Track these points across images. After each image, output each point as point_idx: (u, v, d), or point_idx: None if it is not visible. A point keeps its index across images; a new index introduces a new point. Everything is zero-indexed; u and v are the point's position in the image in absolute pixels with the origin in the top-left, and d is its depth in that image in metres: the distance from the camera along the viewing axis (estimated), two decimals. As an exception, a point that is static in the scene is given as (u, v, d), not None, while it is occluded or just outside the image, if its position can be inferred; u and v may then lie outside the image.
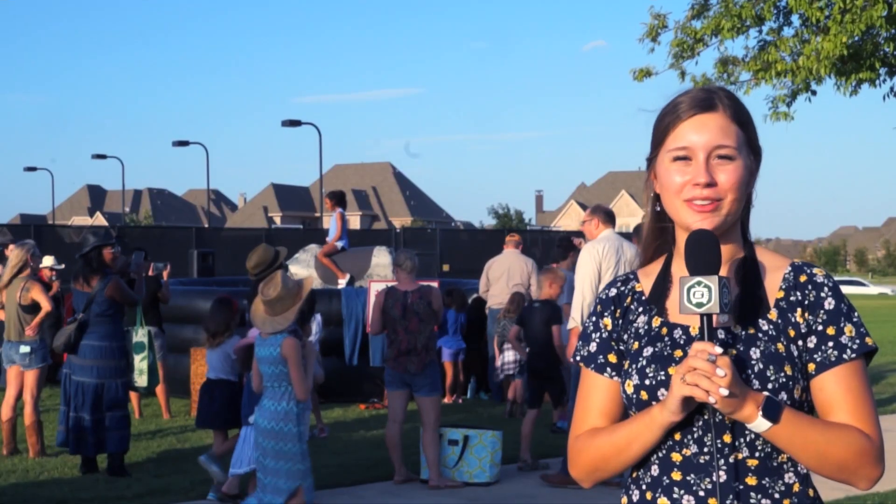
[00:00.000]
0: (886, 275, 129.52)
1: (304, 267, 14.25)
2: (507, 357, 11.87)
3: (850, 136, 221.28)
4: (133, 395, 11.98)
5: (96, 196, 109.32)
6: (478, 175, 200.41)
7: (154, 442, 10.30)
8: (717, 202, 2.00)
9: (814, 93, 12.24)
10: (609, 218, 8.42)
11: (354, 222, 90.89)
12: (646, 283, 2.17)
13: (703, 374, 1.84)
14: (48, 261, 12.71)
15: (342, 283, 13.79)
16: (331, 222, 14.05)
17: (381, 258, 14.44)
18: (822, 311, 2.02)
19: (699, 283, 1.91)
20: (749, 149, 2.06)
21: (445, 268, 26.51)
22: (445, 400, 12.81)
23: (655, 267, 2.17)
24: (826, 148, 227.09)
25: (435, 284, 9.67)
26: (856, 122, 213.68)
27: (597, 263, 8.00)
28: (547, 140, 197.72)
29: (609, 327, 2.16)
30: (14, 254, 9.75)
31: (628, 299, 2.17)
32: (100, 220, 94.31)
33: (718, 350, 1.86)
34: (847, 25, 10.79)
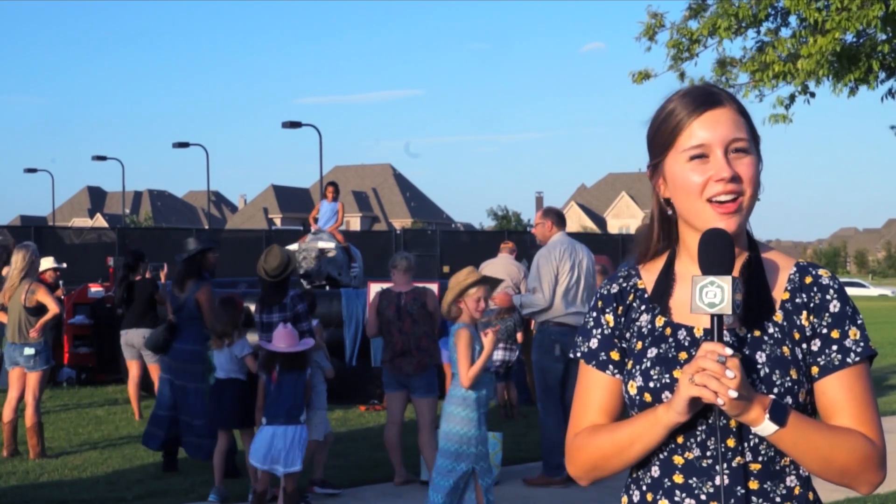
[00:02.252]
0: (887, 276, 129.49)
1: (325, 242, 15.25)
2: (494, 356, 11.85)
3: (850, 138, 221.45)
4: (132, 397, 11.99)
5: (96, 197, 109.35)
6: (478, 176, 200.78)
7: (154, 443, 10.27)
8: (739, 197, 1.97)
9: (812, 94, 12.22)
10: (561, 220, 8.77)
11: (355, 223, 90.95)
12: (648, 279, 2.14)
13: (712, 375, 1.81)
14: (48, 262, 12.71)
15: (355, 265, 15.29)
16: (329, 209, 15.28)
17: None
18: (826, 314, 2.00)
19: (712, 283, 1.88)
20: (755, 142, 2.04)
21: (446, 269, 26.51)
22: (446, 401, 12.80)
23: (658, 263, 2.14)
24: (826, 149, 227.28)
25: (434, 287, 9.67)
26: (855, 123, 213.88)
27: (554, 267, 8.40)
28: (547, 141, 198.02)
29: (611, 324, 2.13)
30: (19, 256, 9.74)
31: (630, 296, 2.14)
32: (100, 221, 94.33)
33: (729, 351, 1.83)
34: (843, 23, 10.77)
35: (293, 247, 14.93)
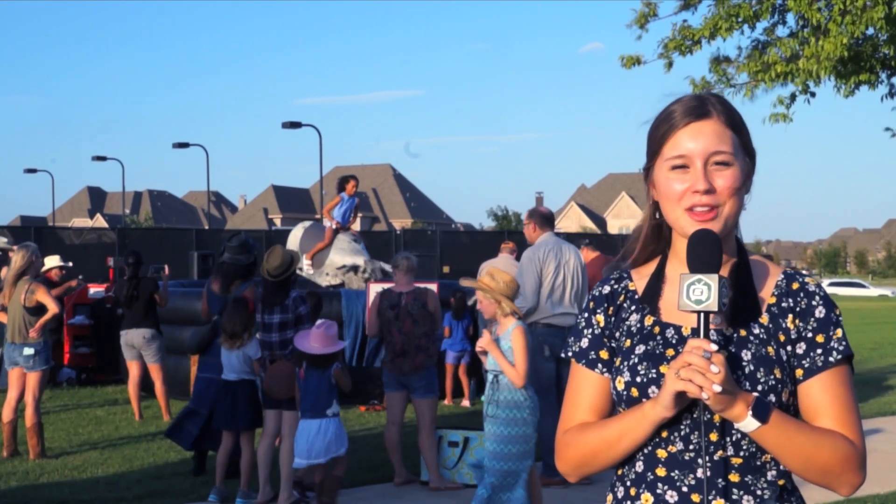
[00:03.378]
0: (886, 276, 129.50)
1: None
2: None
3: (850, 138, 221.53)
4: (132, 397, 11.98)
5: (96, 198, 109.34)
6: (478, 177, 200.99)
7: (154, 444, 10.29)
8: (716, 209, 2.03)
9: (813, 94, 12.22)
10: (546, 221, 8.72)
11: (355, 224, 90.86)
12: (639, 282, 2.19)
13: (697, 369, 1.87)
14: (55, 260, 12.72)
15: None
16: (350, 204, 14.60)
17: None
18: (812, 319, 2.05)
19: (699, 281, 1.93)
20: (744, 152, 2.08)
21: (446, 269, 26.52)
22: (446, 402, 12.79)
23: (649, 268, 2.20)
24: (826, 149, 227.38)
25: (434, 287, 9.66)
26: (856, 123, 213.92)
27: (537, 269, 8.39)
28: (547, 141, 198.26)
29: (601, 324, 2.18)
30: (18, 256, 9.74)
31: (621, 297, 2.19)
32: (100, 221, 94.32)
33: (714, 347, 1.88)
34: (847, 27, 10.79)
35: (357, 262, 14.40)
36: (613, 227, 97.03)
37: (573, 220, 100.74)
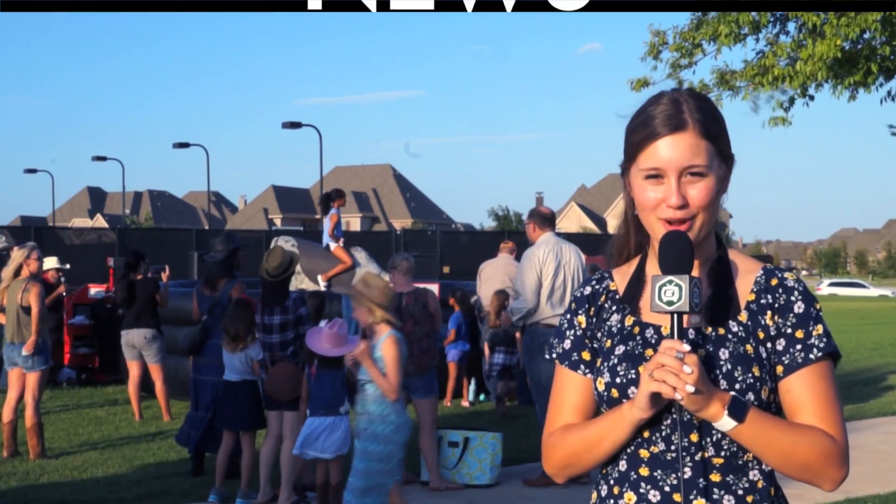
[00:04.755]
0: (887, 276, 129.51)
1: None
2: (496, 359, 11.97)
3: (850, 139, 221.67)
4: (133, 398, 11.98)
5: (97, 198, 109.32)
6: (478, 177, 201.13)
7: (154, 444, 10.29)
8: (689, 220, 2.03)
9: (811, 97, 12.24)
10: (545, 221, 8.68)
11: (355, 224, 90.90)
12: (620, 282, 2.20)
13: (670, 370, 1.88)
14: (52, 262, 12.71)
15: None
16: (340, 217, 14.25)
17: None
18: (791, 315, 2.05)
19: (670, 282, 1.94)
20: (720, 159, 2.07)
21: (446, 269, 26.53)
22: (446, 402, 12.79)
23: (630, 267, 2.20)
24: (826, 151, 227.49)
25: (434, 287, 9.67)
26: (855, 125, 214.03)
27: (537, 269, 8.34)
28: (546, 142, 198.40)
29: (583, 325, 2.20)
30: (13, 256, 9.75)
31: (602, 298, 2.20)
32: (100, 222, 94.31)
33: (686, 347, 1.89)
34: (842, 28, 10.80)
35: (385, 275, 14.10)
36: (613, 228, 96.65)
37: (573, 221, 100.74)
